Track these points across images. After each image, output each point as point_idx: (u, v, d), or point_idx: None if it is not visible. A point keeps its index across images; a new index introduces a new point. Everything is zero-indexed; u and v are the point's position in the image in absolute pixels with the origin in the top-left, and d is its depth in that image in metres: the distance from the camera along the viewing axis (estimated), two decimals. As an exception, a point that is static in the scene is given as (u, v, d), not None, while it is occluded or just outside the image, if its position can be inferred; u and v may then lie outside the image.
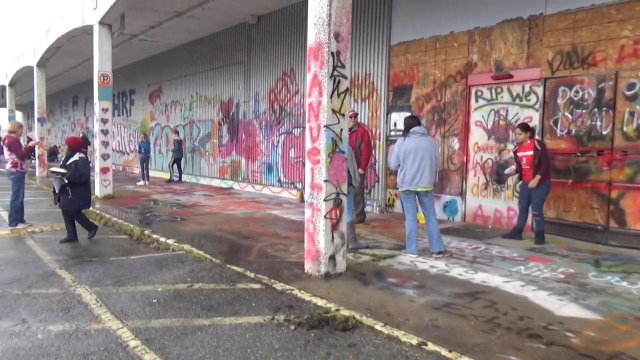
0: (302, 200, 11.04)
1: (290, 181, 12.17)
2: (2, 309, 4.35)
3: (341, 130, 5.04)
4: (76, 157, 6.96)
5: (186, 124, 17.01)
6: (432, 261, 5.68)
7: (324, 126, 4.91)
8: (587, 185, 6.78)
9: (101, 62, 11.45)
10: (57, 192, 6.89)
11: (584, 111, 6.83)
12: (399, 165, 5.89)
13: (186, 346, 3.47)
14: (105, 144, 11.56)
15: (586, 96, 6.80)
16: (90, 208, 7.46)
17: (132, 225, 7.97)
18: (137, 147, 16.43)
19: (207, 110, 15.65)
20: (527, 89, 7.45)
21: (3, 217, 9.27)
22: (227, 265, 5.51)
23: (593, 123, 6.73)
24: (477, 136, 8.14)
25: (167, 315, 4.10)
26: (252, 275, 5.12)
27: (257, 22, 12.99)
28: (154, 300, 4.47)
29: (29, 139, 19.27)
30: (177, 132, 16.15)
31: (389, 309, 4.07)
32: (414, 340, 3.43)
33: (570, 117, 6.97)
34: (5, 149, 8.09)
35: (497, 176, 7.88)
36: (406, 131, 5.93)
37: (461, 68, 8.30)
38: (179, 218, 8.79)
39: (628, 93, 6.40)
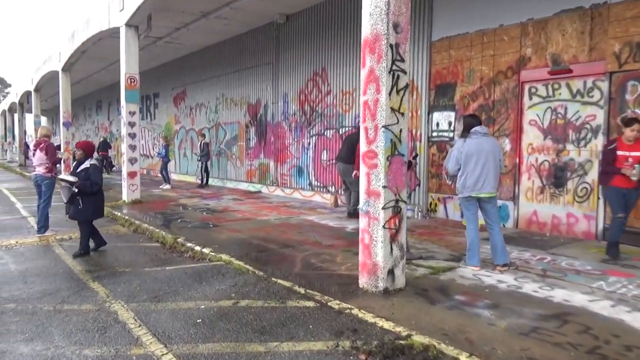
0: (336, 204, 10.56)
1: (322, 185, 11.69)
2: (33, 329, 3.96)
3: (400, 130, 4.54)
4: (87, 164, 6.35)
5: (212, 126, 16.69)
6: (497, 275, 5.13)
7: (382, 126, 4.42)
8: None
9: (128, 65, 11.16)
10: (65, 202, 6.36)
11: (657, 108, 6.20)
12: (459, 169, 5.35)
13: (244, 380, 3.01)
14: (132, 147, 11.26)
15: (660, 91, 6.16)
16: (103, 216, 6.97)
17: (163, 233, 7.58)
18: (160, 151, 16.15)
19: (234, 113, 15.30)
20: (589, 84, 6.84)
21: (31, 223, 9.00)
22: (272, 279, 5.04)
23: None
24: (532, 136, 7.54)
25: (215, 339, 3.65)
26: (302, 290, 4.64)
27: (286, 21, 12.57)
28: (198, 320, 4.02)
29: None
30: (203, 135, 15.79)
31: (468, 334, 3.54)
32: (512, 377, 2.91)
33: (640, 114, 6.34)
34: (40, 154, 7.71)
35: (555, 179, 7.27)
36: (466, 131, 5.39)
37: (512, 63, 7.71)
38: (211, 224, 8.38)
39: None
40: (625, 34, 6.43)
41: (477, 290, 4.60)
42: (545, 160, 7.38)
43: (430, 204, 9.10)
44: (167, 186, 14.81)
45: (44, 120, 38.35)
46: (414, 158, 8.76)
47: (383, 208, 4.45)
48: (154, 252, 6.77)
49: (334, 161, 11.14)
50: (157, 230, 7.85)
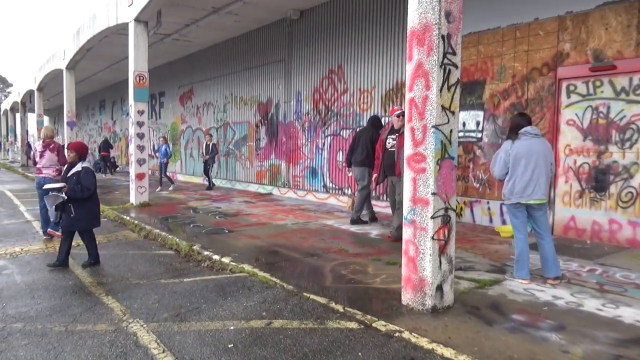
0: (353, 208, 10.08)
1: (337, 187, 11.24)
2: (44, 354, 3.52)
3: (451, 131, 4.09)
4: (79, 167, 5.75)
5: (220, 126, 16.25)
6: (550, 289, 4.67)
7: (432, 127, 3.96)
8: None
9: (137, 62, 10.72)
10: (53, 210, 5.69)
11: None
12: (506, 173, 4.89)
13: None
14: (141, 148, 10.82)
15: None
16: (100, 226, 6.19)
17: (177, 239, 7.13)
18: (158, 151, 15.06)
19: (243, 112, 14.85)
20: (636, 81, 6.37)
21: (35, 228, 8.56)
22: (304, 294, 4.59)
23: None
24: (569, 137, 7.08)
25: (251, 369, 3.20)
26: (339, 308, 4.19)
27: (300, 17, 12.12)
28: (229, 345, 3.57)
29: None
30: (211, 135, 15.27)
31: (544, 365, 3.09)
32: None
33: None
34: (51, 154, 7.48)
35: (596, 183, 6.81)
36: (514, 132, 4.93)
37: (548, 59, 7.25)
38: (226, 230, 7.93)
39: None
40: (677, 27, 5.97)
41: (534, 308, 4.15)
42: (585, 162, 6.92)
43: (455, 207, 8.61)
44: (159, 189, 14.14)
45: (46, 120, 37.95)
46: None
47: (432, 217, 4.00)
48: (169, 261, 6.33)
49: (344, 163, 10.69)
50: (169, 236, 7.40)
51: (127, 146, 24.77)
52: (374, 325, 3.80)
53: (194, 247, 6.61)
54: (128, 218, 9.15)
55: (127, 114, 24.71)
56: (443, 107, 4.00)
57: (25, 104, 30.48)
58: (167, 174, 14.74)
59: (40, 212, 7.82)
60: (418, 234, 4.09)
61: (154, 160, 21.29)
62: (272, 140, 13.49)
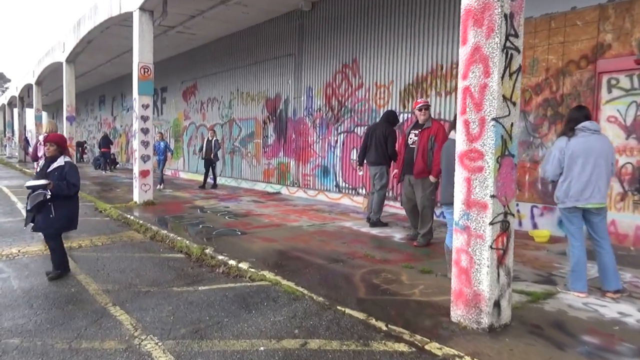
0: (369, 209, 9.57)
1: (351, 186, 10.72)
2: (46, 380, 3.00)
3: (512, 125, 3.58)
4: (61, 161, 5.20)
5: (225, 122, 15.71)
6: (612, 304, 4.17)
7: (492, 119, 3.46)
8: None
9: (142, 53, 10.18)
10: (30, 210, 5.06)
11: None
12: (560, 173, 4.39)
13: None
14: (145, 144, 10.29)
15: None
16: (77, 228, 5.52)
17: (187, 242, 6.61)
18: (156, 148, 13.88)
19: (250, 108, 14.32)
20: (687, 75, 5.88)
21: (34, 228, 8.01)
22: (338, 307, 4.08)
23: None
24: (610, 135, 6.57)
25: (292, 402, 2.69)
26: (381, 325, 3.68)
27: (312, 8, 11.60)
28: (262, 371, 3.06)
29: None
30: (214, 131, 14.42)
31: (645, 403, 2.59)
32: None
33: None
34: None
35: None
36: (570, 127, 4.43)
37: (587, 51, 6.76)
38: (238, 231, 7.42)
39: None
40: None
41: (604, 328, 3.65)
42: (628, 162, 6.43)
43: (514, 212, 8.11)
44: (162, 186, 13.59)
45: (44, 115, 37.33)
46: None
47: (490, 223, 3.49)
48: (180, 265, 5.81)
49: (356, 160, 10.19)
50: (178, 238, 6.88)
51: (128, 142, 24.23)
52: (426, 347, 3.30)
53: (207, 251, 6.10)
54: (132, 217, 8.63)
55: (128, 110, 24.22)
56: (504, 97, 3.50)
57: (23, 98, 29.87)
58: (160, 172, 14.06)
59: None
60: (473, 242, 3.58)
61: (154, 158, 20.75)
62: (281, 137, 12.97)
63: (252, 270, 5.21)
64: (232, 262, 5.53)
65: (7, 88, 54.94)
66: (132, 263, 5.90)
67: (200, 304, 4.34)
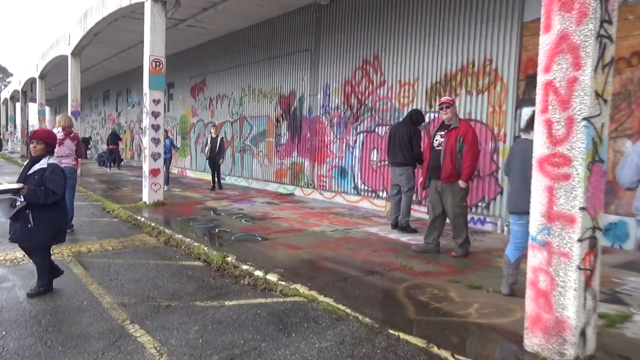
0: (391, 212, 9.08)
1: (371, 189, 10.22)
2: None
3: (602, 126, 3.09)
4: (44, 163, 4.38)
5: (235, 120, 15.22)
6: (700, 331, 3.67)
7: (583, 119, 2.97)
8: None
9: (153, 46, 9.69)
10: (6, 219, 4.33)
11: None
12: (638, 180, 3.89)
13: None
14: (156, 141, 9.80)
15: None
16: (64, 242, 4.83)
17: (205, 248, 6.13)
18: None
19: (262, 105, 13.81)
20: None
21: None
22: (390, 331, 3.58)
23: None
24: (665, 139, 6.08)
25: None
26: (447, 355, 3.19)
27: (330, 1, 11.09)
28: (319, 415, 2.57)
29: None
30: (217, 128, 13.53)
31: None
32: None
33: None
34: (70, 143, 7.23)
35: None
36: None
37: (639, 47, 6.25)
38: (258, 236, 6.92)
39: None
40: None
41: (703, 361, 3.15)
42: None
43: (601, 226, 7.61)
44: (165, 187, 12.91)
45: (47, 110, 36.87)
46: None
47: (579, 240, 3.00)
48: (200, 275, 5.32)
49: (386, 162, 9.69)
50: (195, 243, 6.39)
51: (133, 139, 23.75)
52: (508, 386, 2.80)
53: (228, 259, 5.61)
54: (143, 219, 8.14)
55: (133, 106, 23.72)
56: (597, 94, 3.00)
57: (27, 92, 29.43)
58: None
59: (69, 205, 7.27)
60: (555, 260, 3.09)
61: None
62: (295, 136, 12.47)
63: (283, 283, 4.72)
64: (258, 273, 5.04)
65: (9, 82, 54.51)
66: (147, 271, 5.41)
67: (230, 324, 3.84)
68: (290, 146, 12.66)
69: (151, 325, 3.84)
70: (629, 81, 6.36)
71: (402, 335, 3.49)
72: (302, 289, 4.54)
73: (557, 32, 3.07)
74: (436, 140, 6.04)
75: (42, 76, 22.95)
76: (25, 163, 4.59)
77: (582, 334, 3.08)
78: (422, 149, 7.29)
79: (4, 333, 3.67)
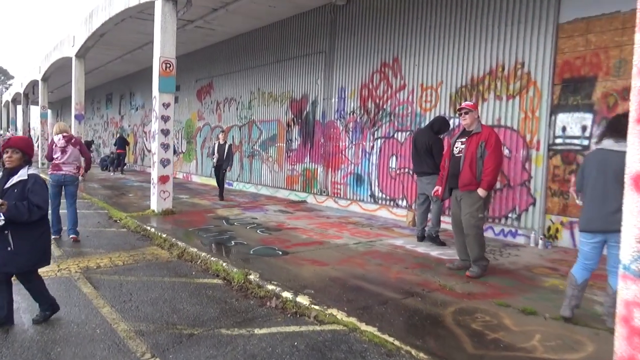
0: (413, 223, 8.63)
1: (389, 197, 9.77)
2: None
3: None
4: (23, 174, 3.77)
5: (243, 124, 14.78)
6: None
7: (694, 128, 2.51)
8: None
9: (164, 46, 9.26)
10: None
11: None
12: None
13: None
14: (165, 146, 9.36)
15: None
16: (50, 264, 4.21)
17: (223, 263, 5.68)
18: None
19: (272, 109, 13.38)
20: None
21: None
22: (451, 371, 3.13)
23: None
24: None
25: None
26: (526, 405, 2.73)
27: (347, 2, 10.68)
28: None
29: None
30: (225, 133, 12.39)
31: None
32: None
33: None
34: (74, 149, 7.02)
35: None
36: None
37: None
38: (278, 250, 6.47)
39: None
40: None
41: None
42: None
43: (549, 229, 7.19)
44: None
45: (49, 113, 36.48)
46: None
47: (690, 272, 2.55)
48: (221, 295, 4.87)
49: (406, 170, 9.27)
50: (212, 258, 5.94)
51: (136, 143, 23.32)
52: None
53: (250, 277, 5.16)
54: (153, 230, 7.69)
55: (137, 109, 23.30)
56: None
57: (28, 95, 29.03)
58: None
59: (52, 212, 6.90)
60: (657, 295, 2.63)
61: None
62: (307, 141, 12.03)
63: (316, 307, 4.26)
64: (287, 295, 4.59)
65: (10, 85, 54.12)
66: (163, 291, 4.95)
67: (265, 358, 3.38)
68: (302, 151, 12.22)
69: (175, 359, 3.39)
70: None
71: (467, 377, 3.03)
72: (339, 314, 4.08)
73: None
74: (456, 148, 5.60)
75: (45, 78, 22.54)
76: None
77: (688, 381, 2.62)
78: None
79: (8, 369, 3.22)
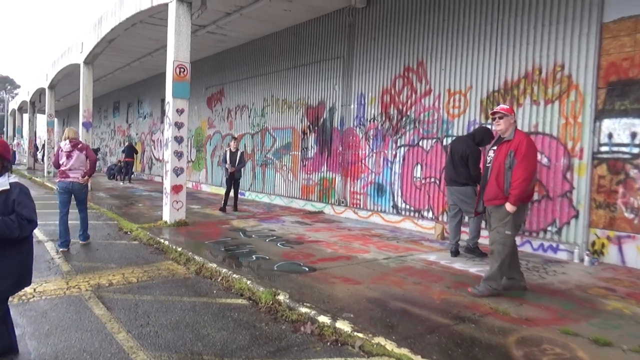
0: (442, 236, 8.12)
1: (414, 208, 9.27)
2: None
3: None
4: (4, 183, 3.13)
5: (256, 132, 14.34)
6: None
7: None
8: None
9: (178, 50, 8.85)
10: None
11: None
12: None
13: None
14: (178, 154, 8.90)
15: None
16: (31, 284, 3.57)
17: (247, 281, 5.18)
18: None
19: (287, 116, 12.95)
20: None
21: (50, 254, 6.62)
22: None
23: None
24: None
25: None
26: None
27: (367, 5, 10.28)
28: None
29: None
30: (236, 140, 11.58)
31: None
32: None
33: None
34: (81, 155, 6.85)
35: None
36: None
37: None
38: (304, 266, 5.97)
39: None
40: None
41: None
42: None
43: (594, 243, 6.66)
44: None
45: (56, 121, 36.25)
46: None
47: None
48: (247, 318, 4.37)
49: (433, 179, 8.78)
50: (234, 275, 5.45)
51: (144, 151, 22.94)
52: None
53: (279, 297, 4.66)
54: (167, 242, 7.21)
55: (145, 117, 22.93)
56: None
57: (35, 103, 28.79)
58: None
59: (59, 221, 6.80)
60: None
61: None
62: (324, 149, 11.57)
63: (360, 335, 3.75)
64: (323, 320, 4.08)
65: (16, 94, 54.08)
66: (183, 313, 4.46)
67: (312, 401, 2.88)
68: (318, 160, 11.75)
69: (205, 401, 2.89)
70: None
71: None
72: (387, 344, 3.57)
73: None
74: (489, 157, 5.11)
75: (52, 86, 22.23)
76: None
77: None
78: (480, 170, 6.36)
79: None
